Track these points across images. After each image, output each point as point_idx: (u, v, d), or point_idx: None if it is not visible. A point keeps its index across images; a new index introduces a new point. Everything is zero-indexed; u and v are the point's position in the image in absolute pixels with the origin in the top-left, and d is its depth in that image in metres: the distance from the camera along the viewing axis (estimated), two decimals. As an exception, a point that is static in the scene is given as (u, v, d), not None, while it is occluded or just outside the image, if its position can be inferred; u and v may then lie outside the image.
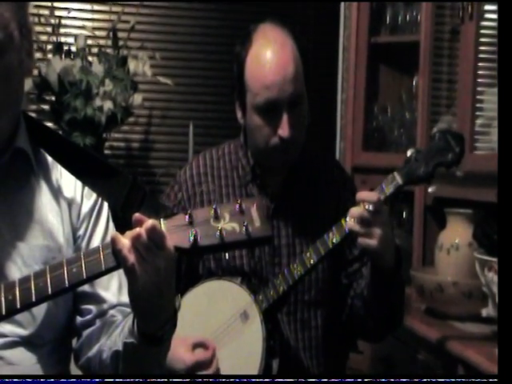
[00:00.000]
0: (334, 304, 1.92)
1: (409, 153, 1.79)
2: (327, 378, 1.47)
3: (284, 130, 1.79)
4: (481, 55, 2.28)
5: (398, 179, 1.75)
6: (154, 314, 1.25)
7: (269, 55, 1.80)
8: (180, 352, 1.73)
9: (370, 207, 1.67)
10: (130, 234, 1.20)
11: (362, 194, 1.71)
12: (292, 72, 1.79)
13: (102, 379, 1.33)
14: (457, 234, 2.32)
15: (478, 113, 2.30)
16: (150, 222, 1.19)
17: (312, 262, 1.79)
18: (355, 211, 1.68)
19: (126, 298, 1.37)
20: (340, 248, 1.83)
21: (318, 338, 1.89)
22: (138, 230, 1.19)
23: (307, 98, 1.87)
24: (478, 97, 2.30)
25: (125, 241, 1.20)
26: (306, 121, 1.88)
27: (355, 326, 1.92)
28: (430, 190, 1.82)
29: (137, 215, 1.22)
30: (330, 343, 1.92)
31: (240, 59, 1.83)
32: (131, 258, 1.19)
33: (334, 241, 1.77)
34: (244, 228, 1.20)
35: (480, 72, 2.29)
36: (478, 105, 2.30)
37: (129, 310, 1.40)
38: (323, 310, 1.90)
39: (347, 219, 1.72)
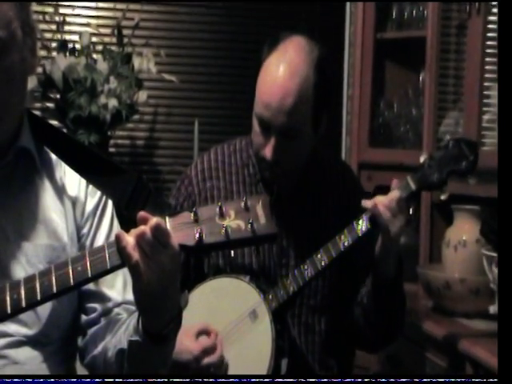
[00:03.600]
0: (339, 311, 1.92)
1: (422, 159, 1.80)
2: (328, 378, 1.47)
3: (267, 153, 1.78)
4: (488, 50, 2.27)
5: (412, 185, 1.76)
6: (159, 312, 1.25)
7: (276, 76, 1.74)
8: (185, 343, 1.72)
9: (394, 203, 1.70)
10: (134, 231, 1.20)
11: (392, 192, 1.74)
12: (290, 105, 1.72)
13: (103, 379, 1.33)
14: (464, 230, 2.31)
15: (485, 108, 2.29)
16: (154, 220, 1.19)
17: (323, 263, 1.78)
18: (380, 198, 1.72)
19: (130, 296, 1.37)
20: (349, 255, 1.83)
21: (321, 343, 1.89)
22: (142, 227, 1.20)
23: (314, 132, 1.82)
24: (485, 92, 2.29)
25: (129, 238, 1.20)
26: (304, 152, 1.85)
27: (354, 334, 1.92)
28: (442, 197, 1.81)
29: (141, 213, 1.22)
30: (333, 349, 1.92)
31: (261, 58, 1.80)
32: (135, 255, 1.19)
33: (346, 243, 1.77)
34: (249, 225, 1.19)
35: (487, 67, 2.28)
36: (485, 100, 2.29)
37: (134, 308, 1.39)
38: (328, 316, 1.90)
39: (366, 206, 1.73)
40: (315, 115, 1.79)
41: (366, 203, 1.74)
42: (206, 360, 1.73)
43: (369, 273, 1.86)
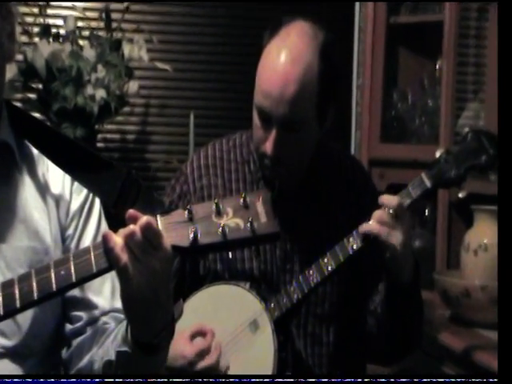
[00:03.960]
0: (349, 320, 1.92)
1: (438, 153, 1.79)
2: (327, 378, 1.48)
3: (268, 146, 1.78)
4: None
5: (427, 182, 1.76)
6: (149, 319, 1.24)
7: (277, 62, 1.74)
8: (178, 348, 1.72)
9: (391, 211, 1.70)
10: (123, 231, 1.20)
11: (383, 198, 1.73)
12: (292, 93, 1.72)
13: (102, 379, 1.33)
14: (485, 233, 2.31)
15: (508, 99, 2.29)
16: (144, 219, 1.19)
17: (330, 268, 1.78)
18: (376, 213, 1.71)
19: (119, 304, 1.36)
20: (358, 260, 1.82)
21: (328, 356, 1.89)
22: (131, 227, 1.19)
23: (319, 125, 1.82)
24: (509, 81, 2.28)
25: (117, 239, 1.20)
26: (307, 148, 1.85)
27: (368, 346, 1.92)
28: (460, 195, 1.81)
29: (131, 211, 1.21)
30: (342, 362, 1.91)
31: (262, 44, 1.80)
32: (124, 257, 1.19)
33: (355, 247, 1.76)
34: (249, 224, 1.19)
35: (510, 54, 2.28)
36: (508, 90, 2.29)
37: (123, 316, 1.39)
38: (336, 325, 1.89)
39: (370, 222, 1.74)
40: (320, 107, 1.78)
41: (362, 228, 1.74)
42: (202, 364, 1.74)
43: (381, 277, 1.86)
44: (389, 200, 1.72)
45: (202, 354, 1.74)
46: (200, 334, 1.77)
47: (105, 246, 1.20)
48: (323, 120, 1.82)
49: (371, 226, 1.72)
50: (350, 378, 1.67)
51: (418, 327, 1.88)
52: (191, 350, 1.73)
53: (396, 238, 1.70)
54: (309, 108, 1.77)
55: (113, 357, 1.32)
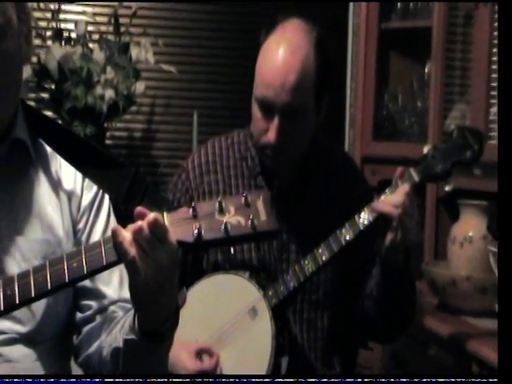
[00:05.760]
0: (343, 306, 1.92)
1: (425, 149, 1.79)
2: (327, 378, 1.46)
3: (270, 135, 1.78)
4: (495, 41, 2.27)
5: (415, 176, 1.76)
6: (156, 309, 1.25)
7: (277, 55, 1.76)
8: (182, 359, 1.72)
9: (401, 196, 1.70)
10: (131, 227, 1.20)
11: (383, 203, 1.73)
12: (293, 81, 1.74)
13: (102, 379, 1.33)
14: (470, 226, 2.31)
15: (492, 101, 2.28)
16: (152, 216, 1.19)
17: (324, 258, 1.78)
18: (391, 197, 1.72)
19: (127, 294, 1.36)
20: (352, 248, 1.82)
21: (324, 340, 1.89)
22: (139, 223, 1.19)
23: (315, 114, 1.83)
24: (493, 84, 2.28)
25: (126, 234, 1.19)
26: (306, 136, 1.85)
27: (366, 327, 1.92)
28: (446, 188, 1.81)
29: (139, 208, 1.21)
30: (336, 345, 1.91)
31: (259, 43, 1.82)
32: (132, 251, 1.19)
33: (348, 238, 1.76)
34: (250, 222, 1.19)
35: (494, 58, 2.27)
36: (492, 92, 2.28)
37: (130, 305, 1.39)
38: (331, 311, 1.89)
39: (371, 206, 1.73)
40: (317, 95, 1.80)
41: (377, 206, 1.73)
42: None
43: (371, 265, 1.86)
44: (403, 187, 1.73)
45: (204, 374, 1.73)
46: (206, 353, 1.76)
47: (114, 241, 1.20)
48: (319, 109, 1.84)
49: (385, 205, 1.71)
50: (350, 377, 1.66)
51: (411, 305, 1.88)
52: (194, 367, 1.73)
53: (409, 221, 1.69)
54: (307, 96, 1.78)
55: (120, 344, 1.32)
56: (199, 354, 1.76)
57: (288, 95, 1.74)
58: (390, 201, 1.72)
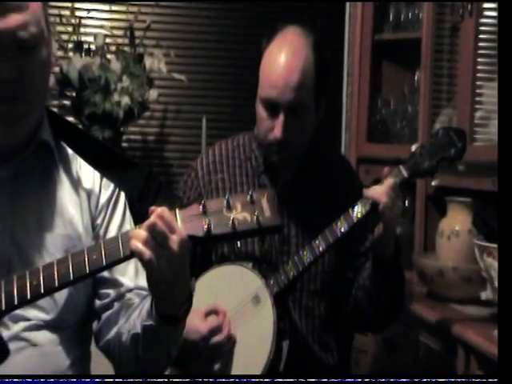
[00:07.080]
0: (338, 295, 1.92)
1: (413, 148, 1.80)
2: (327, 378, 1.43)
3: (276, 131, 1.79)
4: (480, 51, 2.26)
5: (404, 172, 1.77)
6: (173, 297, 1.25)
7: (280, 57, 1.78)
8: (194, 323, 1.71)
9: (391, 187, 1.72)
10: (146, 224, 1.20)
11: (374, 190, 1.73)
12: (296, 80, 1.76)
13: (102, 379, 1.33)
14: (457, 221, 2.31)
15: (477, 106, 2.28)
16: (159, 209, 1.20)
17: (321, 249, 1.78)
18: (379, 186, 1.73)
19: (141, 282, 1.37)
20: (347, 241, 1.83)
21: (320, 326, 1.89)
22: (151, 218, 1.19)
23: (315, 111, 1.84)
24: (478, 91, 2.27)
25: (141, 233, 1.19)
26: (308, 131, 1.86)
27: (358, 317, 1.92)
28: (433, 183, 1.82)
29: (153, 208, 1.21)
30: (333, 330, 1.91)
31: (261, 50, 1.84)
32: (147, 252, 1.19)
33: (343, 230, 1.76)
34: (255, 218, 1.19)
35: (479, 67, 2.27)
36: (477, 98, 2.28)
37: (145, 292, 1.41)
38: (327, 300, 1.90)
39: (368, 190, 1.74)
40: (316, 94, 1.82)
41: (368, 192, 1.74)
42: (214, 340, 1.73)
43: (363, 257, 1.87)
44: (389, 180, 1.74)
45: (214, 330, 1.73)
46: (214, 312, 1.77)
47: (131, 244, 1.20)
48: (318, 107, 1.85)
49: (377, 193, 1.71)
50: (350, 378, 1.63)
51: (401, 293, 1.88)
52: (205, 327, 1.73)
53: (393, 209, 1.71)
54: (308, 93, 1.80)
55: (139, 330, 1.32)
56: (207, 315, 1.76)
57: (292, 93, 1.76)
58: (378, 190, 1.73)
